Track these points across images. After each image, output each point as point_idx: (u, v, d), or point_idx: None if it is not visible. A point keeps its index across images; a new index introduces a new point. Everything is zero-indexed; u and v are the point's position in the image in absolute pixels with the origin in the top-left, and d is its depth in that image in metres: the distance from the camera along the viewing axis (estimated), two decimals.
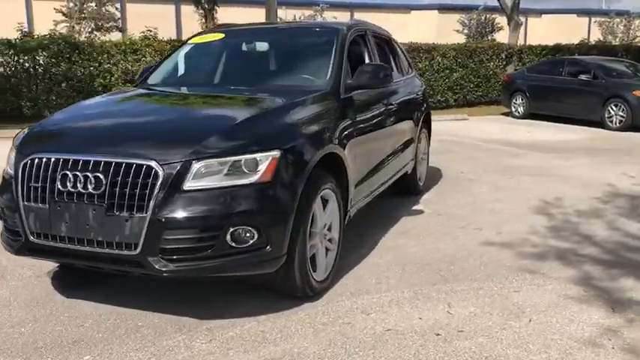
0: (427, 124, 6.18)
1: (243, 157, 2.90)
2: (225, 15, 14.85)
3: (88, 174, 2.88)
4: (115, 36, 16.51)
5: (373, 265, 3.94)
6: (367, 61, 4.76)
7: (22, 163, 3.06)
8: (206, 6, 14.34)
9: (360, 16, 23.19)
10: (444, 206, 5.51)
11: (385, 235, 4.61)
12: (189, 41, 4.83)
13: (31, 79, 11.62)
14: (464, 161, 7.94)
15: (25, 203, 3.01)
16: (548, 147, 9.26)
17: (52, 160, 2.98)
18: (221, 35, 4.67)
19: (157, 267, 2.80)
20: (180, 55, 4.65)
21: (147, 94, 4.17)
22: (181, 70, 4.58)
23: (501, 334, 2.95)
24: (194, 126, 3.25)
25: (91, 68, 11.80)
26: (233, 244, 2.84)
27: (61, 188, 2.92)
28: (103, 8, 18.26)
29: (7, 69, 11.53)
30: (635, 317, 3.14)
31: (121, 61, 12.06)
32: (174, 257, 2.81)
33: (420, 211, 5.35)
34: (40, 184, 2.97)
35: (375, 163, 4.35)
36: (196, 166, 2.82)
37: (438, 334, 2.95)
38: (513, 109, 13.42)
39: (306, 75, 4.07)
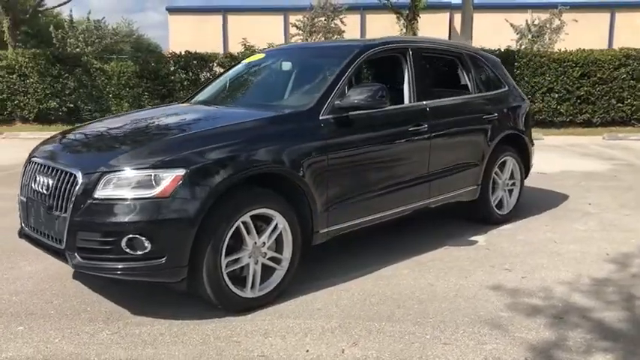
0: (518, 148, 5.54)
1: (147, 173, 3.18)
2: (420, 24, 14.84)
3: (46, 178, 3.47)
4: None
5: (340, 291, 3.83)
6: (406, 78, 4.58)
7: (25, 163, 3.82)
8: (406, 15, 14.47)
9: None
10: (506, 240, 4.94)
11: (400, 262, 4.38)
12: (243, 61, 5.21)
13: None
14: (612, 191, 6.86)
15: (20, 197, 3.75)
16: None
17: (36, 163, 3.66)
18: (262, 55, 4.95)
19: (72, 262, 3.26)
20: (227, 73, 5.06)
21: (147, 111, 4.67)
22: (216, 88, 4.97)
23: None
24: (126, 141, 3.62)
25: None
26: (128, 251, 3.15)
27: (33, 187, 3.58)
28: (332, 22, 19.73)
29: None
30: None
31: None
32: (84, 255, 3.23)
33: (472, 242, 4.90)
34: (27, 182, 3.68)
35: (375, 185, 4.17)
36: (106, 178, 3.19)
37: None
38: None
39: (300, 94, 4.12)
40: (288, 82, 4.59)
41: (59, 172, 3.39)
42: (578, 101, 14.38)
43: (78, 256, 3.24)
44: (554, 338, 3.17)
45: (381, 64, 5.16)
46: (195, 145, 3.37)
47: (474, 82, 5.20)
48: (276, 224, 3.59)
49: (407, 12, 14.65)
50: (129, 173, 3.19)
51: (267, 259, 3.59)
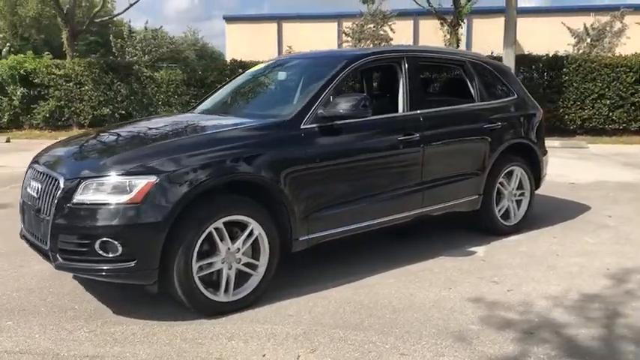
0: (527, 157, 5.42)
1: (121, 179, 3.35)
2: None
3: (37, 183, 3.71)
4: None
5: (318, 298, 3.88)
6: (401, 88, 4.59)
7: (27, 168, 4.08)
8: (450, 21, 14.30)
9: None
10: (506, 252, 4.84)
11: (389, 271, 4.38)
12: (248, 70, 5.35)
13: None
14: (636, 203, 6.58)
15: (20, 200, 4.02)
16: None
17: (32, 168, 3.91)
18: (262, 65, 5.07)
19: (54, 262, 3.47)
20: (231, 82, 5.21)
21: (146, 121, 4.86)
22: (218, 96, 5.12)
23: None
24: (109, 150, 3.80)
25: None
26: (101, 253, 3.32)
27: (28, 191, 3.83)
28: (381, 30, 19.70)
29: None
30: None
31: None
32: (64, 256, 3.43)
33: (469, 253, 4.83)
34: (24, 186, 3.94)
35: (359, 194, 4.19)
36: (84, 183, 3.39)
37: None
38: None
39: (287, 104, 4.20)
40: (279, 91, 4.69)
41: (47, 177, 3.62)
42: (633, 108, 13.77)
43: (59, 257, 3.45)
44: (516, 353, 3.12)
45: (377, 73, 5.19)
46: (170, 153, 3.52)
47: (478, 91, 5.13)
48: (252, 231, 3.68)
49: (451, 18, 14.46)
50: (104, 180, 3.37)
51: (242, 264, 3.69)
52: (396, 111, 4.60)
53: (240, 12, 55.18)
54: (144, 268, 3.35)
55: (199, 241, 3.47)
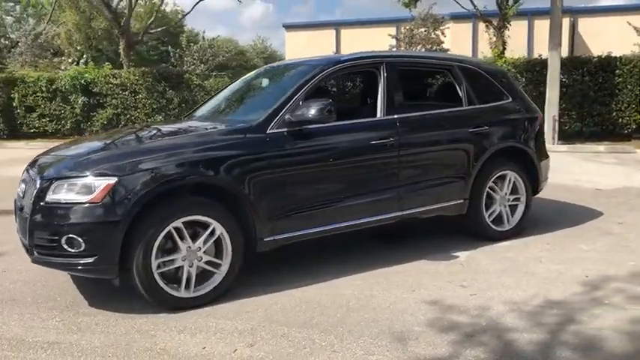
0: (522, 162, 5.33)
1: (85, 181, 3.63)
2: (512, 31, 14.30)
3: (23, 184, 4.07)
4: None
5: (280, 297, 4.01)
6: (379, 93, 4.68)
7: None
8: (495, 24, 14.05)
9: None
10: (489, 257, 4.80)
11: (361, 273, 4.46)
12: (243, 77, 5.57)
13: None
14: None
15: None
16: None
17: (25, 171, 4.28)
18: (252, 73, 5.27)
19: (32, 257, 3.80)
20: (226, 88, 5.46)
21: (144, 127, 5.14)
22: (211, 102, 5.35)
23: None
24: (84, 153, 4.06)
25: None
26: (67, 248, 3.61)
27: (17, 191, 4.20)
28: (433, 33, 19.58)
29: None
30: None
31: None
32: (39, 251, 3.75)
33: (451, 257, 4.82)
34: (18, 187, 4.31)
35: (328, 197, 4.30)
36: (54, 184, 3.69)
37: None
38: None
39: (259, 109, 4.35)
40: (258, 98, 4.87)
41: (30, 178, 3.96)
42: None
43: (35, 252, 3.77)
44: (446, 355, 3.14)
45: (358, 78, 5.26)
46: (133, 156, 3.77)
47: (466, 95, 5.11)
48: (213, 231, 3.87)
49: (497, 20, 14.19)
50: (72, 181, 3.67)
51: (204, 262, 3.89)
52: (375, 116, 4.67)
53: (314, 19, 55.73)
54: (104, 264, 3.61)
55: (158, 240, 3.69)
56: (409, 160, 4.63)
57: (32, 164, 4.27)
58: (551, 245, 5.12)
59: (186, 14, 17.86)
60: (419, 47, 19.50)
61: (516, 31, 15.89)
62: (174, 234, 3.76)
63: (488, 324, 3.52)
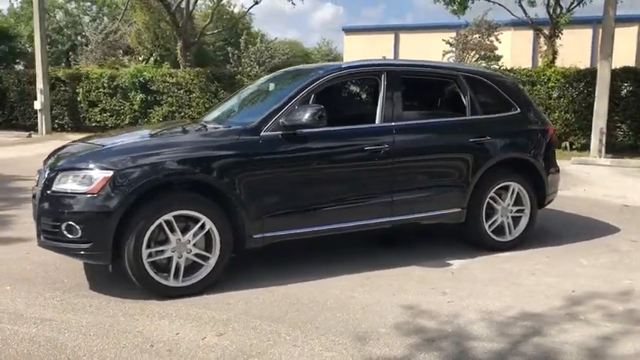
0: (527, 174, 5.31)
1: (85, 173, 3.96)
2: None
3: (38, 175, 4.45)
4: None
5: (264, 292, 4.20)
6: (379, 100, 4.80)
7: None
8: (546, 32, 13.74)
9: None
10: (483, 267, 4.84)
11: (350, 275, 4.60)
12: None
13: None
14: None
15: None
16: None
17: (43, 163, 4.66)
18: (263, 78, 5.50)
19: (39, 241, 4.16)
20: (237, 93, 5.71)
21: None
22: (223, 106, 5.61)
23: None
24: (90, 148, 4.38)
25: None
26: (66, 234, 3.94)
27: (34, 182, 4.59)
28: (487, 39, 19.31)
29: None
30: None
31: None
32: (45, 235, 4.10)
33: (445, 264, 4.89)
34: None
35: (319, 199, 4.47)
36: (60, 175, 4.04)
37: (152, 346, 3.37)
38: None
39: (258, 113, 4.56)
40: (262, 102, 5.08)
41: (43, 170, 4.33)
42: None
43: (42, 237, 4.13)
44: (399, 357, 3.25)
45: (360, 86, 5.39)
46: (131, 152, 4.07)
47: (471, 105, 5.14)
48: (203, 225, 4.11)
49: (549, 28, 13.89)
50: (75, 172, 4.00)
51: (193, 255, 4.14)
52: (374, 123, 4.79)
53: (383, 22, 55.83)
54: (98, 250, 3.92)
55: (149, 231, 3.97)
56: (404, 167, 4.73)
57: (48, 157, 4.65)
58: (550, 258, 5.08)
59: (241, 17, 18.33)
60: (472, 53, 19.25)
61: (579, 39, 15.47)
62: (165, 226, 4.02)
63: (453, 330, 3.60)
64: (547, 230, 6.03)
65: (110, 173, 3.91)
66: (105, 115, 17.58)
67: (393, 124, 4.74)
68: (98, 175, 3.92)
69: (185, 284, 4.13)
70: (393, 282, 4.45)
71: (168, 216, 4.02)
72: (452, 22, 26.79)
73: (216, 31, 21.55)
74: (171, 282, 4.09)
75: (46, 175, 4.11)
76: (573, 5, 14.09)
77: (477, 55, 19.17)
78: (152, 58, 26.84)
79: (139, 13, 28.85)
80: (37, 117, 17.69)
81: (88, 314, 3.82)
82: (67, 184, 4.00)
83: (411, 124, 4.84)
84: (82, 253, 3.97)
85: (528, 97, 5.69)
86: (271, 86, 5.25)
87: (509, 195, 5.26)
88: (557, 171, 5.61)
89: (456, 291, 4.28)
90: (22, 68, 25.14)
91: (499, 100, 5.33)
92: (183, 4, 17.76)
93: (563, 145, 13.06)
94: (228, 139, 4.30)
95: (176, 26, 17.44)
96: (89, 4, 43.90)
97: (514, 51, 23.10)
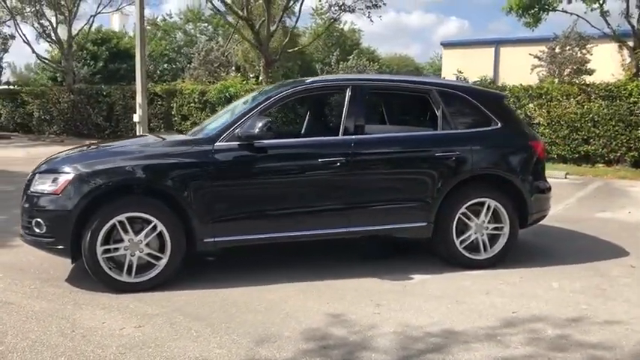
0: (505, 191, 5.15)
1: (53, 175, 4.48)
2: None
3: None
4: None
5: (207, 294, 4.43)
6: (343, 114, 4.93)
7: None
8: (630, 45, 12.85)
9: None
10: (443, 284, 4.76)
11: (304, 282, 4.73)
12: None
13: None
14: None
15: None
16: None
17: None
18: (251, 94, 5.81)
19: (21, 236, 4.74)
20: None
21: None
22: (211, 118, 5.96)
23: None
24: (67, 156, 4.87)
25: None
26: (35, 230, 4.47)
27: None
28: (579, 52, 18.28)
29: None
30: None
31: None
32: (25, 232, 4.66)
33: (405, 278, 4.88)
34: None
35: (270, 207, 4.67)
36: (36, 177, 4.59)
37: (73, 331, 3.75)
38: None
39: (221, 124, 4.87)
40: (230, 114, 5.35)
41: (30, 173, 4.93)
42: None
43: (22, 231, 4.70)
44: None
45: (324, 100, 5.51)
46: (94, 158, 4.54)
47: (443, 119, 5.09)
48: (155, 227, 4.48)
49: (632, 40, 12.99)
50: (46, 175, 4.54)
51: (145, 254, 4.51)
52: (337, 136, 4.93)
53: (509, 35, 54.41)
54: (60, 244, 4.41)
55: (104, 229, 4.39)
56: (361, 179, 4.81)
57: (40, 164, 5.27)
58: (523, 279, 4.89)
59: (319, 36, 18.79)
60: (562, 67, 18.26)
61: None
62: (118, 226, 4.43)
63: (354, 340, 3.65)
64: (544, 249, 5.79)
65: (71, 176, 4.39)
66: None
67: (353, 137, 4.84)
68: (62, 177, 4.42)
69: (137, 280, 4.50)
70: (337, 292, 4.54)
71: (122, 217, 4.42)
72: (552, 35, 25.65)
73: (296, 49, 22.15)
74: (124, 277, 4.48)
75: (29, 178, 4.69)
76: None
77: (568, 69, 18.14)
78: (262, 77, 28.27)
79: (244, 32, 30.57)
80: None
81: (45, 301, 4.30)
82: (41, 185, 4.53)
83: (372, 137, 4.90)
84: (47, 247, 4.49)
85: (513, 112, 5.50)
86: (247, 100, 5.54)
87: (483, 212, 5.12)
88: (546, 189, 5.36)
89: (391, 304, 4.28)
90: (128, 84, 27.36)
91: (478, 115, 5.22)
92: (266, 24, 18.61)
93: None
94: (182, 148, 4.65)
95: (259, 44, 18.29)
96: (206, 24, 46.97)
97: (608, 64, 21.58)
